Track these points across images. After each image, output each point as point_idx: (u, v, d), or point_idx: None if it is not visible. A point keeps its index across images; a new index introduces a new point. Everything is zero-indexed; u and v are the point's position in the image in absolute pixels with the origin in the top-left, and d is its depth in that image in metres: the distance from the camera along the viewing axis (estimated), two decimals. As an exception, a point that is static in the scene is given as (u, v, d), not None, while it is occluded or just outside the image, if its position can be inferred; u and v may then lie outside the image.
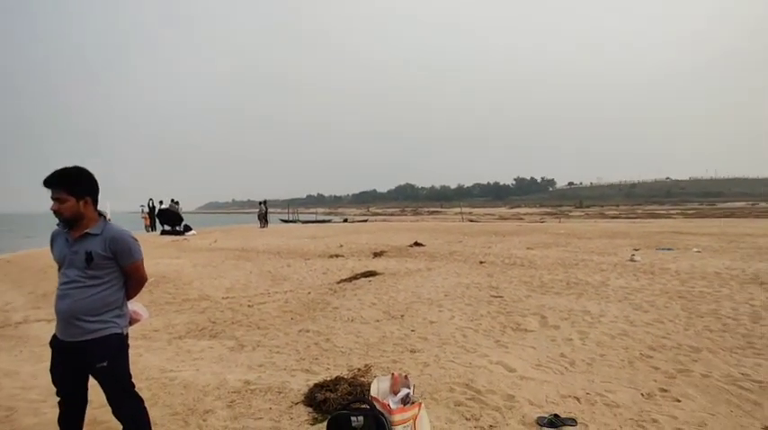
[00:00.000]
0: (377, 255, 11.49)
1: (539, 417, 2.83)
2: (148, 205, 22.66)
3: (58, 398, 2.34)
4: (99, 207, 2.31)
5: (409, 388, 2.47)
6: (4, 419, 2.98)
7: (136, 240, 2.33)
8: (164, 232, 20.05)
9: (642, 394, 3.19)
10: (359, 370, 3.70)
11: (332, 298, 6.56)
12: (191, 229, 20.15)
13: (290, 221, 36.31)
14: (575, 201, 76.44)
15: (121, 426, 2.31)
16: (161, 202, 21.71)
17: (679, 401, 3.06)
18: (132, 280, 2.31)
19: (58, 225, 2.25)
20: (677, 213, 39.00)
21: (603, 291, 6.43)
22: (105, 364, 2.15)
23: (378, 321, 5.27)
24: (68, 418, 2.35)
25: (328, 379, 3.38)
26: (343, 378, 3.40)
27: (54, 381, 2.30)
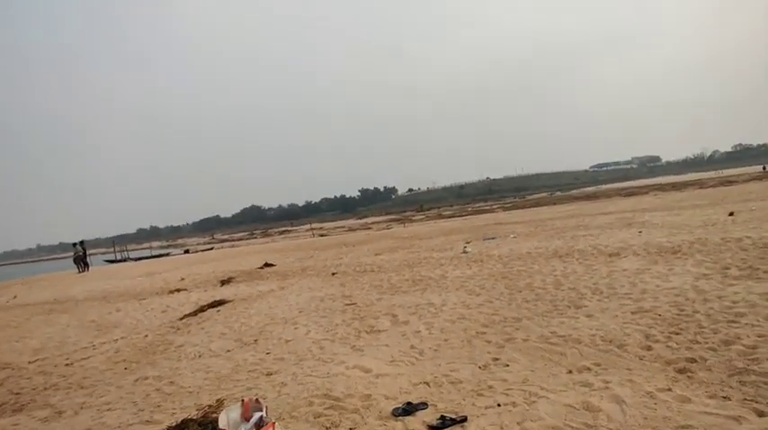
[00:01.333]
0: (224, 282, 10.78)
1: (393, 409, 2.97)
2: None
3: None
4: None
5: (261, 410, 2.36)
6: None
7: None
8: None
9: (479, 367, 3.58)
10: (209, 406, 3.39)
11: (174, 336, 5.92)
12: (-21, 287, 16.20)
13: (119, 261, 31.86)
14: (416, 206, 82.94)
15: None
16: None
17: (508, 366, 3.52)
18: None
19: None
20: (498, 207, 45.19)
21: (443, 283, 7.08)
22: None
23: (229, 351, 4.93)
24: None
25: (173, 424, 3.03)
26: (191, 419, 3.08)
27: None
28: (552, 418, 2.57)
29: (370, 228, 36.04)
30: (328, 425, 2.88)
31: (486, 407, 2.84)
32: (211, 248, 35.93)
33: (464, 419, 2.68)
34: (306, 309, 6.45)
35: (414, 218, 46.86)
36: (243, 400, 2.42)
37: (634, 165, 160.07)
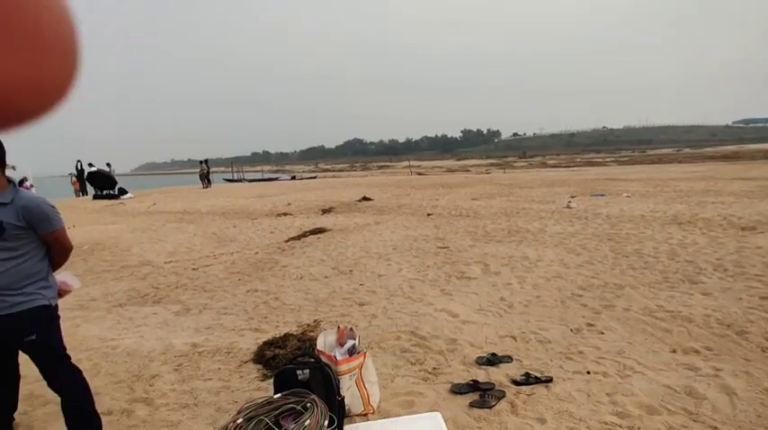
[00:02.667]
0: (325, 211, 11.44)
1: (478, 357, 3.03)
2: (76, 168, 21.07)
3: (-14, 377, 2.22)
4: (19, 171, 2.11)
5: (355, 339, 2.55)
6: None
7: (53, 207, 2.17)
8: (96, 196, 18.83)
9: (571, 330, 3.47)
10: (308, 325, 3.76)
11: (280, 256, 6.52)
12: (126, 193, 19.04)
13: (235, 181, 35.10)
14: (519, 152, 78.91)
15: (59, 398, 2.24)
16: (90, 165, 20.24)
17: (603, 334, 3.37)
18: (55, 250, 2.17)
19: None
20: (612, 161, 41.29)
21: (541, 238, 6.80)
22: (34, 337, 2.05)
23: (327, 277, 5.32)
24: (0, 396, 2.25)
25: (277, 336, 3.41)
26: (292, 334, 3.45)
27: (-22, 359, 2.18)
28: (647, 397, 2.45)
29: (468, 171, 35.29)
30: (413, 361, 3.05)
31: (574, 372, 2.78)
32: (314, 177, 37.99)
33: (549, 380, 2.66)
34: (399, 247, 6.66)
35: (515, 164, 44.76)
36: (339, 327, 2.63)
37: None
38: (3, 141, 2.07)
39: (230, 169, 43.83)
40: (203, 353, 3.33)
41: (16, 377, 2.30)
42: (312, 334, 3.51)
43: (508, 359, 3.00)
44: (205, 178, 24.40)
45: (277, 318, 4.05)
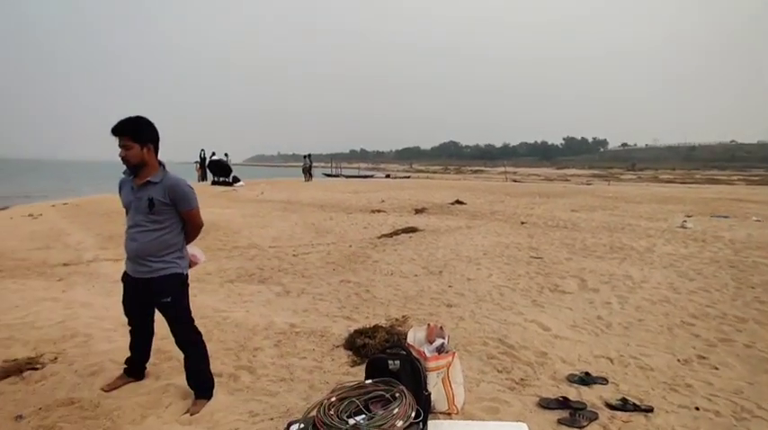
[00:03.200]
0: (418, 211, 11.58)
1: (570, 374, 2.91)
2: (200, 156, 23.55)
3: (129, 328, 2.65)
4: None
5: (444, 338, 2.60)
6: (82, 344, 3.38)
7: (192, 189, 2.51)
8: (214, 182, 20.91)
9: (679, 360, 3.18)
10: (396, 320, 3.88)
11: (372, 252, 6.75)
12: (239, 181, 20.88)
13: (334, 176, 36.71)
14: (627, 164, 72.58)
15: (182, 355, 2.59)
16: (213, 154, 22.51)
17: (717, 369, 3.05)
18: (189, 225, 2.51)
19: (124, 173, 2.46)
20: (739, 179, 36.38)
21: (648, 257, 6.27)
22: (169, 300, 2.40)
23: (416, 276, 5.41)
24: (138, 345, 2.67)
25: (367, 326, 3.57)
26: (381, 326, 3.58)
27: (125, 312, 2.61)
28: (767, 445, 2.19)
29: (568, 181, 33.35)
30: (500, 369, 3.02)
31: (680, 406, 2.56)
32: (408, 177, 38.45)
33: (650, 409, 2.49)
34: (490, 253, 6.55)
35: (621, 176, 41.31)
36: (429, 325, 2.70)
37: None
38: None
39: (330, 164, 45.97)
40: (300, 333, 3.60)
41: (151, 332, 2.70)
42: (400, 328, 3.61)
43: (603, 381, 2.84)
44: (307, 172, 25.92)
45: (367, 309, 4.23)
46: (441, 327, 2.69)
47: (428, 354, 2.42)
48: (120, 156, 2.34)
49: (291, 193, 16.31)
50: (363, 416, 1.92)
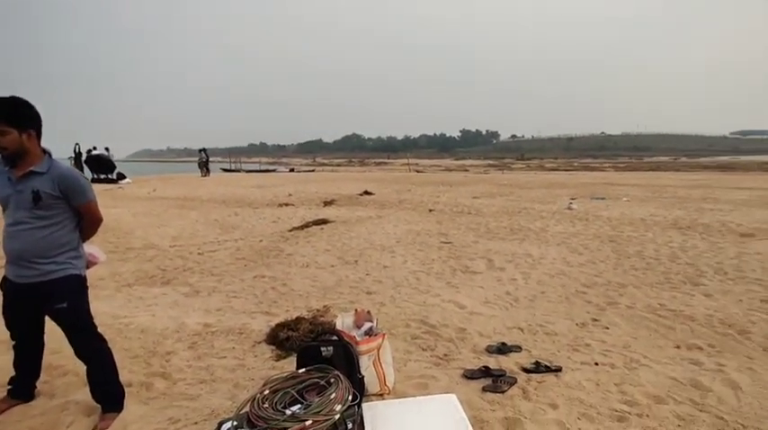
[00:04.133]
0: (327, 203, 11.48)
1: (488, 345, 3.10)
2: (75, 151, 20.94)
3: (13, 342, 2.27)
4: None
5: (372, 322, 2.61)
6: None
7: (87, 179, 2.21)
8: (94, 180, 18.74)
9: (577, 324, 3.55)
10: (318, 310, 3.81)
11: (285, 245, 6.56)
12: (125, 178, 19.00)
13: (233, 170, 35.00)
14: (517, 154, 79.11)
15: (82, 368, 2.29)
16: (94, 148, 20.13)
17: (608, 328, 3.45)
18: (86, 221, 2.21)
19: None
20: (609, 166, 41.47)
21: (544, 236, 6.89)
22: (65, 305, 2.09)
23: (333, 266, 5.37)
24: (25, 361, 2.29)
25: (289, 319, 3.46)
26: (303, 318, 3.50)
27: (7, 325, 2.22)
28: (654, 387, 2.52)
29: (467, 171, 35.37)
30: (425, 348, 3.12)
31: (582, 363, 2.86)
32: (313, 170, 37.95)
33: (559, 369, 2.74)
34: (403, 240, 6.72)
35: (513, 166, 44.90)
36: (356, 310, 2.69)
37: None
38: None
39: (228, 159, 43.69)
40: (216, 332, 3.38)
41: (41, 345, 2.34)
42: (323, 318, 3.56)
43: (517, 348, 3.07)
44: (204, 166, 24.35)
45: (286, 302, 4.10)
46: (368, 311, 2.69)
47: (359, 338, 2.41)
48: None
49: (188, 190, 15.22)
50: (299, 405, 1.86)
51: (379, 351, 2.43)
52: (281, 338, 3.14)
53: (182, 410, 2.31)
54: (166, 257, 5.85)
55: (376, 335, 2.51)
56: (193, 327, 3.46)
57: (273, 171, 36.25)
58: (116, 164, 20.21)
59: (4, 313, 2.20)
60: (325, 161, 77.52)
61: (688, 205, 10.24)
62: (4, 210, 2.09)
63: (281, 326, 3.32)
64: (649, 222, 7.99)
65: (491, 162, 55.98)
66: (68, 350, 2.26)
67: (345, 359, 2.18)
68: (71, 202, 2.11)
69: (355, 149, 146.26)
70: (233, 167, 37.25)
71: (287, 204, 11.28)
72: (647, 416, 2.26)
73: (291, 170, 37.13)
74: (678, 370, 2.75)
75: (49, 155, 2.12)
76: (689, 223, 7.81)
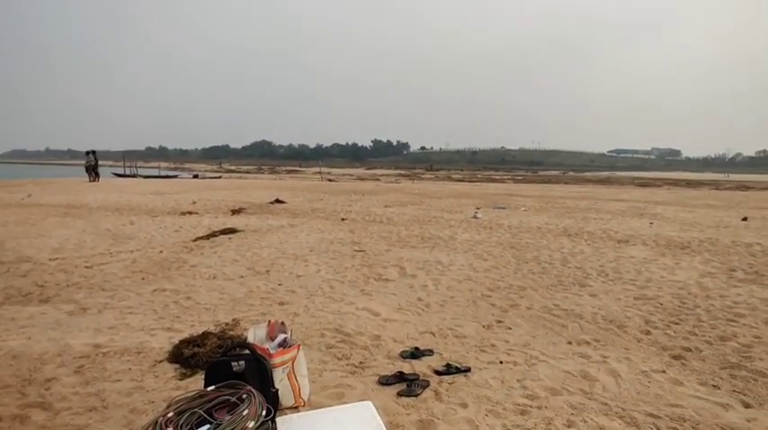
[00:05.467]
0: (235, 212, 10.98)
1: (402, 351, 3.16)
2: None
3: None
4: None
5: (286, 333, 2.52)
6: None
7: None
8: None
9: (483, 326, 3.75)
10: (227, 324, 3.61)
11: (188, 256, 6.14)
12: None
13: (128, 176, 32.08)
14: (426, 165, 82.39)
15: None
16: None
17: (510, 329, 3.69)
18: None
19: None
20: (509, 178, 44.90)
21: (452, 244, 7.22)
22: None
23: (242, 277, 5.13)
24: None
25: (195, 334, 3.23)
26: (211, 333, 3.29)
27: None
28: (551, 381, 2.75)
29: (378, 180, 36.02)
30: (340, 356, 3.09)
31: (489, 363, 3.02)
32: (219, 177, 36.09)
33: (468, 369, 2.87)
34: (316, 249, 6.63)
35: (422, 176, 46.68)
36: (269, 322, 2.58)
37: (652, 156, 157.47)
38: None
39: (122, 163, 40.02)
40: (108, 353, 3.04)
41: None
42: (232, 332, 3.38)
43: (429, 352, 3.16)
44: (92, 171, 21.97)
45: (191, 317, 3.83)
46: (282, 322, 2.60)
47: (272, 351, 2.32)
48: None
49: (73, 196, 13.64)
50: (207, 426, 1.73)
51: (293, 363, 2.36)
52: (186, 355, 2.92)
53: (66, 444, 2.04)
54: (45, 272, 5.17)
55: (290, 346, 2.43)
56: (80, 349, 3.08)
57: (175, 177, 33.84)
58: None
59: None
60: (233, 167, 74.31)
61: (575, 214, 11.40)
62: None
63: (185, 342, 3.09)
64: (544, 230, 8.75)
65: (402, 172, 57.67)
66: None
67: (258, 373, 2.08)
68: None
69: (265, 156, 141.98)
70: (128, 172, 34.16)
71: (190, 212, 10.58)
72: (546, 407, 2.46)
73: (195, 176, 34.93)
74: (570, 363, 3.02)
75: None
76: (576, 231, 8.68)
